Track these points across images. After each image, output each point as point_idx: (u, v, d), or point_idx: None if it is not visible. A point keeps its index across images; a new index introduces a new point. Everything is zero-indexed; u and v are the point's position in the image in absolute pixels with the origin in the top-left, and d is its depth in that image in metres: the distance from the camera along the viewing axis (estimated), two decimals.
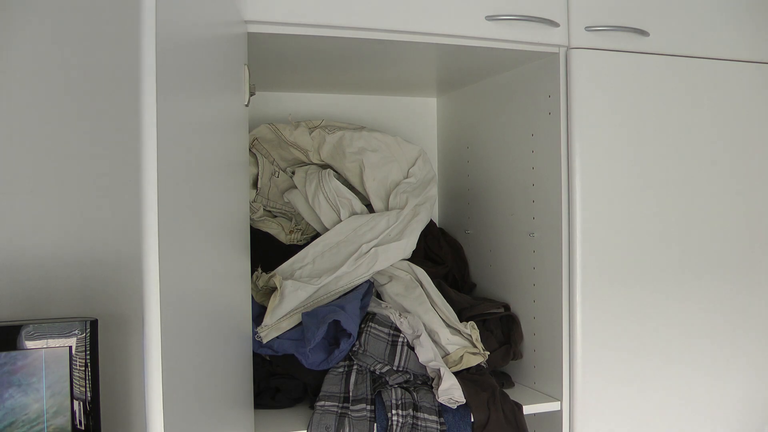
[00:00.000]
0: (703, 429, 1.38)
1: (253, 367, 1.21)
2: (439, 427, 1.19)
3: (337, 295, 1.34)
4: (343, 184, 1.48)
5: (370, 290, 1.36)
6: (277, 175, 1.51)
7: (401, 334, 1.29)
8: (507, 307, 1.46)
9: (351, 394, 1.21)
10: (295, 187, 1.49)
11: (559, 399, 1.30)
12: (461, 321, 1.35)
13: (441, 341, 1.31)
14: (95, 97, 1.27)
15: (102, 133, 1.28)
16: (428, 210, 1.47)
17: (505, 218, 1.48)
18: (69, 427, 1.06)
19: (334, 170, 1.49)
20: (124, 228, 1.28)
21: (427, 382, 1.27)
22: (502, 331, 1.42)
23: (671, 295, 1.34)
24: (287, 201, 1.50)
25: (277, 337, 1.26)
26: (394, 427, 1.16)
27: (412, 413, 1.19)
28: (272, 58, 1.31)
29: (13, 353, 1.04)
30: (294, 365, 1.27)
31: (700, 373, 1.37)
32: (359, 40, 1.19)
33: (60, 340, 1.06)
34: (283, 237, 1.49)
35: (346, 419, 1.16)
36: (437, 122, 1.79)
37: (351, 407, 1.18)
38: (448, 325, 1.34)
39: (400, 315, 1.31)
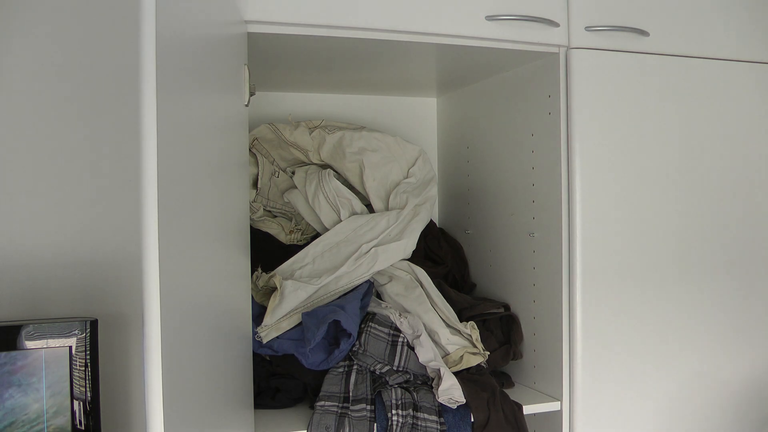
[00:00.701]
0: (703, 428, 1.38)
1: (253, 367, 1.21)
2: (439, 427, 1.19)
3: (337, 295, 1.34)
4: (342, 184, 1.48)
5: (370, 290, 1.36)
6: (277, 175, 1.51)
7: (401, 334, 1.29)
8: (507, 307, 1.46)
9: (351, 394, 1.21)
10: (295, 187, 1.49)
11: (559, 399, 1.30)
12: (461, 321, 1.35)
13: (441, 341, 1.31)
14: (95, 97, 1.27)
15: (102, 133, 1.28)
16: (428, 210, 1.47)
17: (505, 218, 1.48)
18: (69, 427, 1.06)
19: (334, 170, 1.49)
20: (124, 228, 1.28)
21: (427, 382, 1.27)
22: (502, 331, 1.42)
23: (671, 295, 1.34)
24: (287, 201, 1.50)
25: (277, 337, 1.26)
26: (394, 427, 1.16)
27: (412, 413, 1.19)
28: (272, 58, 1.31)
29: (13, 353, 1.04)
30: (294, 365, 1.27)
31: (700, 372, 1.37)
32: (359, 40, 1.19)
33: (60, 340, 1.06)
34: (283, 237, 1.49)
35: (346, 419, 1.16)
36: (437, 122, 1.79)
37: (351, 407, 1.18)
38: (448, 325, 1.34)
39: (400, 315, 1.31)
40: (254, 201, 1.50)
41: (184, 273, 0.71)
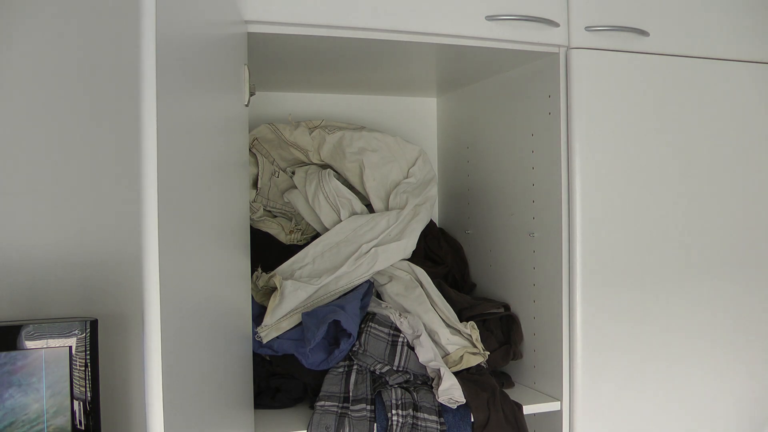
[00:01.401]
0: (703, 429, 1.38)
1: (253, 367, 1.21)
2: (439, 427, 1.19)
3: (337, 295, 1.34)
4: (343, 184, 1.48)
5: (370, 290, 1.36)
6: (277, 175, 1.51)
7: (401, 334, 1.29)
8: (507, 307, 1.46)
9: (351, 394, 1.21)
10: (295, 187, 1.49)
11: (559, 399, 1.30)
12: (461, 321, 1.35)
13: (441, 341, 1.31)
14: (95, 97, 1.27)
15: (102, 133, 1.28)
16: (428, 210, 1.47)
17: (505, 218, 1.48)
18: (69, 427, 1.06)
19: (334, 170, 1.49)
20: (124, 228, 1.28)
21: (427, 382, 1.27)
22: (502, 331, 1.42)
23: (671, 295, 1.34)
24: (287, 201, 1.50)
25: (277, 337, 1.26)
26: (394, 427, 1.16)
27: (412, 413, 1.19)
28: (272, 58, 1.31)
29: (13, 353, 1.04)
30: (294, 365, 1.27)
31: (700, 372, 1.37)
32: (359, 40, 1.19)
33: (60, 340, 1.06)
34: (283, 237, 1.49)
35: (346, 419, 1.16)
36: (437, 122, 1.79)
37: (351, 407, 1.18)
38: (448, 325, 1.34)
39: (400, 315, 1.31)
40: (254, 201, 1.50)
41: (184, 273, 0.71)
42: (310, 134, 1.49)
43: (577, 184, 1.28)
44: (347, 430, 1.14)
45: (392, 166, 1.48)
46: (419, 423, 1.18)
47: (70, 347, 1.06)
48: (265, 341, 1.26)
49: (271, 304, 1.27)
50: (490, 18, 1.23)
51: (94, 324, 1.08)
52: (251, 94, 1.13)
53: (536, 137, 1.37)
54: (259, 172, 1.50)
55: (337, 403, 1.19)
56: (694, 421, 1.37)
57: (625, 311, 1.31)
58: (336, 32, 1.16)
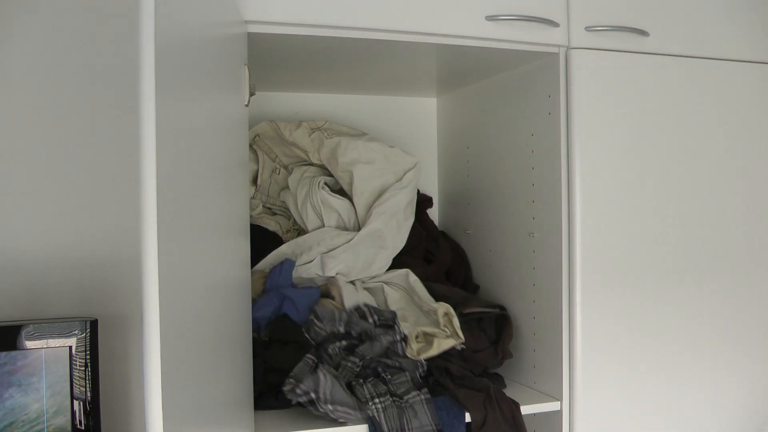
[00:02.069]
0: (703, 429, 1.38)
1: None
2: (423, 397, 1.20)
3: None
4: (339, 188, 1.49)
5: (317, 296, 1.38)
6: (278, 172, 1.52)
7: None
8: (502, 308, 1.45)
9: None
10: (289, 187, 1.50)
11: (559, 399, 1.30)
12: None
13: (401, 327, 1.32)
14: (95, 97, 1.28)
15: (102, 133, 1.28)
16: (395, 228, 1.46)
17: (505, 218, 1.48)
18: (69, 427, 1.06)
19: (332, 173, 1.50)
20: (123, 228, 1.28)
21: (393, 365, 1.27)
22: (495, 331, 1.41)
23: (671, 295, 1.34)
24: (283, 200, 1.51)
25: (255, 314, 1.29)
26: (379, 414, 1.16)
27: (391, 399, 1.19)
28: (272, 58, 1.31)
29: (13, 353, 1.04)
30: (288, 361, 1.27)
31: (700, 372, 1.37)
32: (359, 40, 1.19)
33: (60, 340, 1.06)
34: (280, 236, 1.50)
35: (320, 372, 1.18)
36: (437, 122, 1.79)
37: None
38: (422, 312, 1.36)
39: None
40: (253, 197, 1.50)
41: (183, 273, 0.71)
42: (309, 135, 1.49)
43: (577, 184, 1.28)
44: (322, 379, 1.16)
45: (386, 179, 1.47)
46: (402, 404, 1.19)
47: (70, 347, 1.06)
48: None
49: None
50: (490, 18, 1.23)
51: (94, 324, 1.09)
52: (251, 94, 1.13)
53: (536, 137, 1.37)
54: (259, 169, 1.51)
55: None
56: (694, 420, 1.37)
57: (625, 311, 1.31)
58: (336, 32, 1.16)
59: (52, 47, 1.25)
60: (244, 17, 1.11)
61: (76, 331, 1.07)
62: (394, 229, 1.44)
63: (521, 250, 1.42)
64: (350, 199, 1.47)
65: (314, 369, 1.22)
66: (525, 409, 1.27)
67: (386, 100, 1.73)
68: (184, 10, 0.75)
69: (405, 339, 1.30)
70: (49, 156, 1.26)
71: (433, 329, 1.30)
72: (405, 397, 1.20)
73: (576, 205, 1.28)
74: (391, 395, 1.20)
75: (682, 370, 1.35)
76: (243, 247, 1.11)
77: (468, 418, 1.23)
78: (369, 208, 1.44)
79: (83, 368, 1.07)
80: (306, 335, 1.28)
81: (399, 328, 1.31)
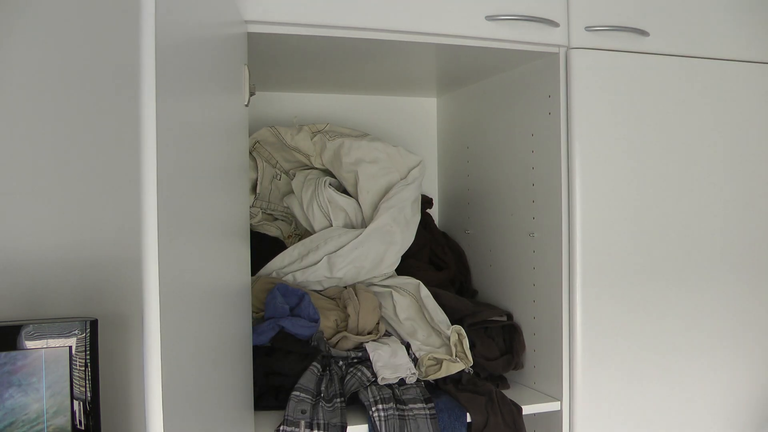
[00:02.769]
0: (703, 428, 1.38)
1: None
2: (428, 412, 1.18)
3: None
4: (343, 191, 1.48)
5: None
6: (278, 178, 1.51)
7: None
8: (510, 316, 1.45)
9: (323, 394, 1.21)
10: (293, 191, 1.49)
11: (559, 399, 1.30)
12: (464, 327, 1.34)
13: (413, 348, 1.32)
14: (95, 97, 1.28)
15: (102, 133, 1.28)
16: (402, 229, 1.45)
17: (505, 218, 1.48)
18: (69, 427, 1.06)
19: (335, 176, 1.49)
20: (124, 228, 1.28)
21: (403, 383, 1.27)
22: (503, 339, 1.41)
23: (671, 295, 1.34)
24: (286, 205, 1.51)
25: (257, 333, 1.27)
26: (379, 423, 1.15)
27: (395, 406, 1.18)
28: (272, 58, 1.31)
29: (13, 353, 1.04)
30: (290, 364, 1.27)
31: (700, 373, 1.37)
32: (359, 40, 1.19)
33: (60, 340, 1.06)
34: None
35: (320, 408, 1.16)
36: (437, 122, 1.79)
37: (325, 404, 1.18)
38: (433, 329, 1.35)
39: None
40: (252, 206, 1.49)
41: (183, 273, 0.71)
42: (311, 139, 1.48)
43: (577, 184, 1.28)
44: (320, 415, 1.14)
45: (392, 177, 1.46)
46: (406, 413, 1.17)
47: (70, 347, 1.06)
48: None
49: None
50: (490, 18, 1.23)
51: (94, 324, 1.09)
52: (251, 94, 1.13)
53: (536, 137, 1.37)
54: (258, 177, 1.50)
55: (311, 397, 1.19)
56: (695, 420, 1.37)
57: (625, 311, 1.31)
58: (336, 32, 1.16)
59: (52, 47, 1.25)
60: (244, 17, 1.11)
61: (76, 331, 1.07)
62: (402, 223, 1.43)
63: (521, 250, 1.42)
64: (355, 200, 1.47)
65: (320, 378, 1.22)
66: (525, 409, 1.28)
67: (386, 100, 1.73)
68: (184, 10, 0.75)
69: (416, 361, 1.31)
70: (49, 156, 1.26)
71: (443, 356, 1.30)
72: (409, 405, 1.19)
73: (576, 205, 1.28)
74: (396, 401, 1.19)
75: (681, 370, 1.35)
76: (243, 246, 1.11)
77: (469, 419, 1.23)
78: (375, 207, 1.44)
79: (83, 368, 1.07)
80: (314, 343, 1.27)
81: (411, 349, 1.32)
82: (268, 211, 1.53)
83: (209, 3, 0.88)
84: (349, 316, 1.32)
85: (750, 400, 1.42)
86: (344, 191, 1.48)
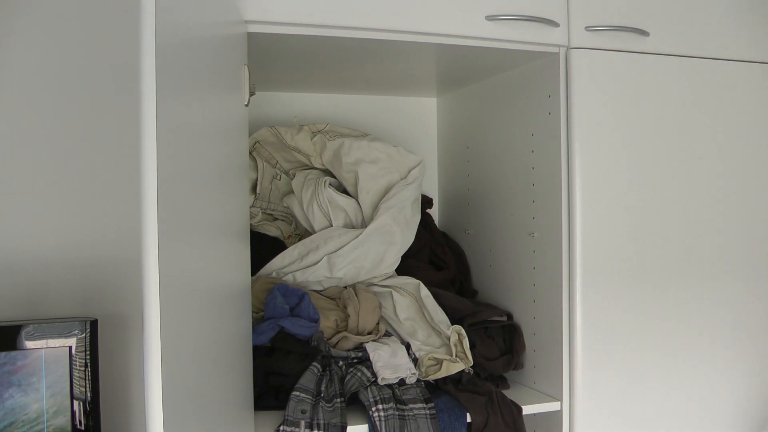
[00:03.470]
0: (703, 428, 1.38)
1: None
2: (428, 412, 1.18)
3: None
4: (343, 190, 1.48)
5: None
6: (278, 178, 1.51)
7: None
8: (510, 316, 1.45)
9: (323, 394, 1.21)
10: (293, 191, 1.49)
11: (559, 399, 1.30)
12: (464, 327, 1.34)
13: (413, 348, 1.32)
14: (95, 97, 1.28)
15: (102, 133, 1.28)
16: (403, 223, 1.45)
17: (505, 218, 1.48)
18: (69, 427, 1.06)
19: (335, 176, 1.49)
20: (124, 228, 1.28)
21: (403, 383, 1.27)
22: (503, 339, 1.41)
23: (671, 295, 1.34)
24: (286, 205, 1.50)
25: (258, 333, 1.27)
26: (379, 424, 1.15)
27: (395, 406, 1.18)
28: (272, 58, 1.31)
29: (13, 353, 1.04)
30: (289, 364, 1.27)
31: (701, 372, 1.37)
32: (359, 40, 1.19)
33: (60, 340, 1.06)
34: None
35: (320, 408, 1.16)
36: (437, 122, 1.79)
37: (325, 404, 1.18)
38: (433, 329, 1.34)
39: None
40: (252, 206, 1.49)
41: (183, 273, 0.71)
42: (311, 139, 1.48)
43: (577, 184, 1.28)
44: (320, 415, 1.14)
45: (392, 177, 1.46)
46: (406, 413, 1.17)
47: (70, 347, 1.06)
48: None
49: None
50: (490, 18, 1.23)
51: (94, 324, 1.09)
52: (251, 94, 1.13)
53: (536, 137, 1.37)
54: (258, 177, 1.50)
55: (311, 397, 1.19)
56: (695, 420, 1.37)
57: (625, 311, 1.31)
58: (336, 32, 1.16)
59: (52, 47, 1.25)
60: (244, 17, 1.11)
61: (76, 331, 1.07)
62: (402, 223, 1.42)
63: (521, 250, 1.42)
64: (355, 200, 1.47)
65: (320, 378, 1.22)
66: (525, 409, 1.27)
67: (386, 100, 1.73)
68: (184, 10, 0.75)
69: (416, 361, 1.31)
70: (49, 156, 1.26)
71: (443, 356, 1.30)
72: (410, 405, 1.19)
73: (576, 205, 1.28)
74: (396, 401, 1.19)
75: (681, 371, 1.35)
76: (243, 246, 1.11)
77: (469, 419, 1.23)
78: (375, 207, 1.43)
79: (83, 368, 1.07)
80: (314, 343, 1.27)
81: (411, 349, 1.32)
82: (268, 211, 1.53)
83: (209, 3, 0.88)
84: (349, 316, 1.32)
85: (750, 400, 1.42)
86: (344, 191, 1.48)
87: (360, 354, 1.28)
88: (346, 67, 1.42)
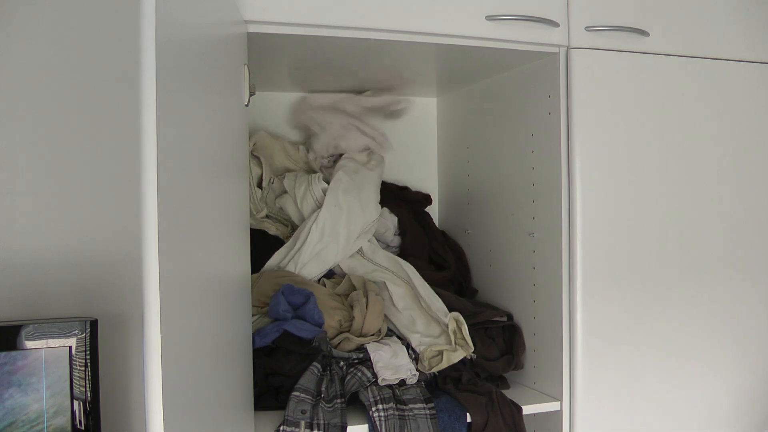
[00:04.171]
0: (704, 428, 1.38)
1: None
2: (428, 412, 1.18)
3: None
4: None
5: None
6: (272, 182, 1.53)
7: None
8: (510, 317, 1.45)
9: (323, 394, 1.21)
10: (286, 192, 1.50)
11: (559, 399, 1.30)
12: None
13: (413, 344, 1.32)
14: (95, 97, 1.27)
15: (102, 133, 1.28)
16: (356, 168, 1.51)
17: (505, 218, 1.48)
18: (69, 427, 1.06)
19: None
20: (124, 228, 1.28)
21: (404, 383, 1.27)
22: (504, 339, 1.41)
23: (672, 295, 1.34)
24: (279, 207, 1.51)
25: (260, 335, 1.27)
26: (379, 424, 1.15)
27: (395, 406, 1.18)
28: (272, 58, 1.31)
29: (13, 353, 1.04)
30: (288, 365, 1.27)
31: (701, 372, 1.37)
32: (359, 40, 1.19)
33: (60, 340, 1.06)
34: None
35: (320, 408, 1.16)
36: (437, 122, 1.79)
37: (325, 404, 1.18)
38: (432, 318, 1.35)
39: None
40: (260, 199, 1.51)
41: (184, 273, 0.71)
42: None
43: (577, 184, 1.28)
44: (321, 415, 1.14)
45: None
46: (406, 413, 1.17)
47: (70, 347, 1.06)
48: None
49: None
50: (490, 18, 1.23)
51: (94, 324, 1.08)
52: (251, 94, 1.13)
53: (536, 137, 1.37)
54: (263, 173, 1.52)
55: (311, 397, 1.19)
56: (695, 420, 1.37)
57: (625, 311, 1.31)
58: (336, 32, 1.16)
59: (52, 47, 1.25)
60: (244, 17, 1.11)
61: (76, 331, 1.07)
62: (352, 170, 1.49)
63: (521, 250, 1.42)
64: None
65: (320, 378, 1.22)
66: (525, 409, 1.28)
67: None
68: (184, 10, 0.75)
69: (417, 357, 1.31)
70: (49, 156, 1.26)
71: (443, 346, 1.30)
72: (410, 405, 1.19)
73: (576, 205, 1.28)
74: (396, 401, 1.19)
75: (681, 371, 1.35)
76: (243, 246, 1.11)
77: (469, 419, 1.23)
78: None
79: (83, 368, 1.07)
80: (315, 344, 1.27)
81: (411, 347, 1.32)
82: (267, 213, 1.54)
83: (209, 3, 0.88)
84: (354, 318, 1.32)
85: (750, 400, 1.42)
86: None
87: (361, 355, 1.28)
88: (346, 67, 1.42)
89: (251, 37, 1.14)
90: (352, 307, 1.33)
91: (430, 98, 1.78)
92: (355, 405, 1.22)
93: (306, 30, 1.15)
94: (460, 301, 1.43)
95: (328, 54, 1.30)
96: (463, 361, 1.32)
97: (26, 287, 1.24)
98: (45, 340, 1.05)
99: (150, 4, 0.62)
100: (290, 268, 1.40)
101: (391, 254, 1.48)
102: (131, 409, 1.28)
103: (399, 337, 1.36)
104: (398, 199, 1.62)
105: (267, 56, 1.28)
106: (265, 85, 1.53)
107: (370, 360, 1.27)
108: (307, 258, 1.40)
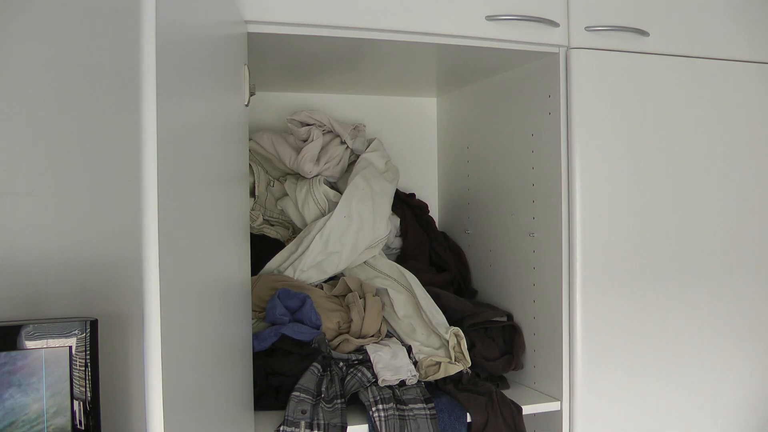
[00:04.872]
0: (704, 428, 1.38)
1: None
2: (428, 412, 1.18)
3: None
4: (333, 187, 1.50)
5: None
6: (272, 185, 1.53)
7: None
8: (510, 317, 1.45)
9: (323, 395, 1.21)
10: (287, 194, 1.50)
11: (559, 399, 1.30)
12: (462, 328, 1.34)
13: (413, 351, 1.32)
14: (95, 97, 1.27)
15: (102, 133, 1.28)
16: (376, 175, 1.50)
17: (505, 218, 1.48)
18: (69, 427, 1.06)
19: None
20: (124, 228, 1.28)
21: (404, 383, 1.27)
22: (504, 339, 1.41)
23: (672, 294, 1.34)
24: (280, 209, 1.51)
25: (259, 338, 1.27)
26: (380, 424, 1.15)
27: (395, 406, 1.18)
28: (272, 58, 1.31)
29: (13, 353, 1.04)
30: (288, 365, 1.27)
31: (701, 372, 1.37)
32: (359, 40, 1.19)
33: (60, 340, 1.06)
34: None
35: (320, 408, 1.16)
36: (437, 122, 1.79)
37: (325, 404, 1.18)
38: (432, 331, 1.34)
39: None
40: (253, 209, 1.50)
41: (184, 272, 0.71)
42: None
43: (577, 184, 1.28)
44: (321, 415, 1.14)
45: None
46: (406, 413, 1.17)
47: (70, 347, 1.06)
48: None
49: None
50: (490, 18, 1.23)
51: (94, 324, 1.08)
52: (251, 94, 1.13)
53: (536, 137, 1.37)
54: (255, 181, 1.51)
55: (311, 397, 1.19)
56: (694, 420, 1.37)
57: (625, 311, 1.31)
58: (336, 32, 1.16)
59: (52, 47, 1.25)
60: (244, 17, 1.11)
61: (76, 331, 1.07)
62: (373, 176, 1.47)
63: (521, 250, 1.42)
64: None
65: (320, 378, 1.22)
66: (525, 409, 1.28)
67: (386, 100, 1.73)
68: (184, 10, 0.75)
69: (416, 363, 1.31)
70: (49, 156, 1.25)
71: (442, 358, 1.30)
72: (410, 405, 1.19)
73: (576, 205, 1.28)
74: (396, 401, 1.19)
75: (681, 371, 1.35)
76: (243, 246, 1.11)
77: (469, 419, 1.23)
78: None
79: (83, 368, 1.07)
80: (314, 345, 1.27)
81: (412, 353, 1.32)
82: (266, 217, 1.54)
83: (209, 3, 0.88)
84: (352, 320, 1.32)
85: (753, 399, 1.42)
86: (333, 188, 1.51)
87: (361, 356, 1.28)
88: (346, 67, 1.42)
89: (251, 37, 1.14)
90: (349, 309, 1.33)
91: (430, 98, 1.78)
92: (355, 405, 1.22)
93: (306, 30, 1.15)
94: (460, 301, 1.43)
95: (329, 54, 1.30)
96: None
97: (26, 287, 1.23)
98: (45, 340, 1.05)
99: (150, 4, 0.62)
100: (289, 273, 1.39)
101: (393, 262, 1.48)
102: (131, 409, 1.28)
103: (399, 339, 1.36)
104: (401, 201, 1.62)
105: (267, 56, 1.28)
106: (265, 85, 1.53)
107: (369, 361, 1.27)
108: (307, 266, 1.40)
